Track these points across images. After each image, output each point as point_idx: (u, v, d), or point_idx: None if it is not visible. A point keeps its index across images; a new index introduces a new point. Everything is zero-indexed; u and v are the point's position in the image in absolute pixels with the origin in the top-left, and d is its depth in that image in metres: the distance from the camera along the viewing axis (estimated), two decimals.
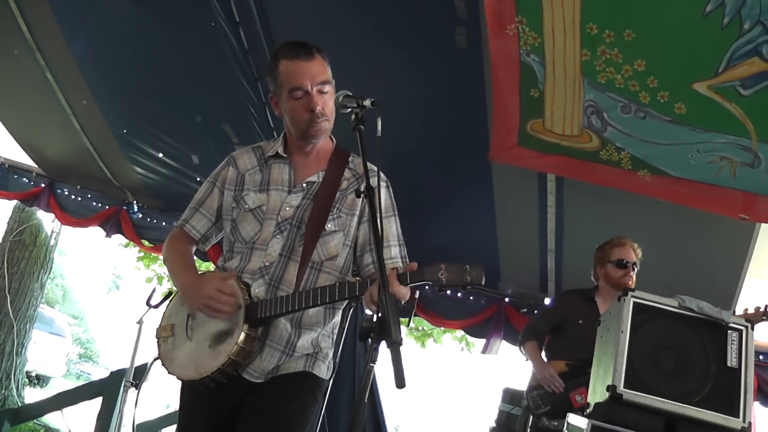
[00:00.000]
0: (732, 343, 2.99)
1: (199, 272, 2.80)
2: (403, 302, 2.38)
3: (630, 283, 4.50)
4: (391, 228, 2.75)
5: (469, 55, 4.47)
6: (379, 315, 1.94)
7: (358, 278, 2.42)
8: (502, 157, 4.67)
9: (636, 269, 4.56)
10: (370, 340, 1.93)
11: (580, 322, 4.57)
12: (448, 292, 6.21)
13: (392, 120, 4.62)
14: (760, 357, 5.54)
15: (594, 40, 3.73)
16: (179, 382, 2.74)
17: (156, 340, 2.78)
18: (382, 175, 2.79)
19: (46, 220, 8.83)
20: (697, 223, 4.84)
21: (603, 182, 4.58)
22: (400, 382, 1.80)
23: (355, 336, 5.69)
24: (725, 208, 4.37)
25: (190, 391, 2.71)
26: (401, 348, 1.84)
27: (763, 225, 4.75)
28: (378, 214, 2.23)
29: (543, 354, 4.72)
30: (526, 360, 4.72)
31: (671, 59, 3.72)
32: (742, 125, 3.83)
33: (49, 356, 15.07)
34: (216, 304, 2.54)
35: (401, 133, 4.98)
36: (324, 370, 2.74)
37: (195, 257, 2.97)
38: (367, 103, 2.26)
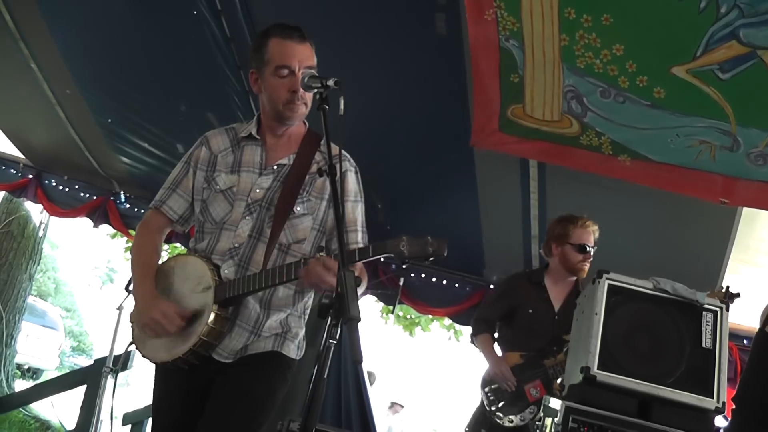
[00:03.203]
0: (707, 324, 3.01)
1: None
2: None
3: (586, 268, 4.43)
4: (357, 214, 2.78)
5: (449, 41, 4.46)
6: (338, 291, 1.95)
7: (321, 254, 2.43)
8: (484, 142, 4.67)
9: (593, 252, 4.47)
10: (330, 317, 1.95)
11: (530, 311, 4.51)
12: (433, 278, 6.23)
13: (373, 107, 4.68)
14: (744, 341, 5.56)
15: (572, 24, 3.73)
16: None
17: (130, 324, 2.79)
18: (351, 160, 2.83)
19: (34, 211, 8.84)
20: (678, 207, 4.84)
21: (584, 167, 4.58)
22: (357, 357, 1.82)
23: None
24: (705, 192, 4.38)
25: (162, 373, 2.74)
26: (359, 324, 1.86)
27: (744, 209, 4.77)
28: (339, 194, 2.25)
29: (496, 344, 4.67)
30: (479, 352, 4.66)
31: (649, 43, 3.73)
32: (720, 109, 3.84)
33: (42, 349, 15.11)
34: (156, 328, 2.57)
35: (383, 121, 5.01)
36: (293, 349, 2.76)
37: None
38: (330, 82, 2.29)
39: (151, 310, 2.57)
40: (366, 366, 11.14)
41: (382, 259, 2.37)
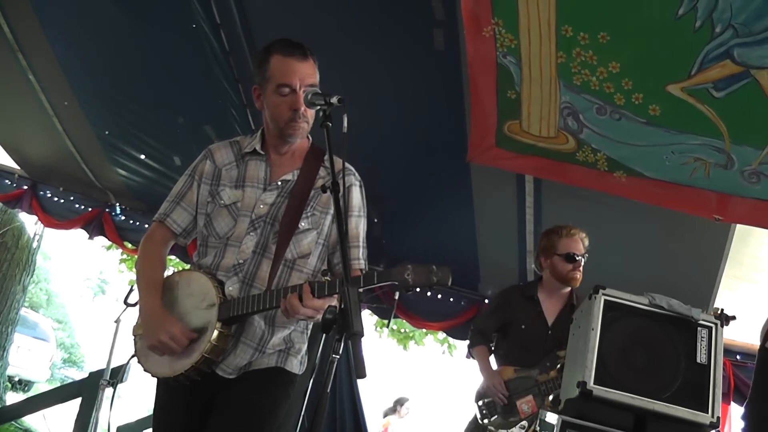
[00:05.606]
0: (701, 340, 3.05)
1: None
2: (317, 315, 2.43)
3: (578, 277, 4.39)
4: (360, 230, 2.79)
5: (447, 56, 4.50)
6: (342, 307, 1.97)
7: (327, 278, 2.43)
8: (480, 158, 4.70)
9: (583, 260, 4.42)
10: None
11: (523, 327, 4.51)
12: (428, 293, 6.23)
13: (371, 122, 4.71)
14: (738, 357, 5.59)
15: (569, 42, 3.76)
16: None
17: (133, 337, 2.79)
18: (356, 174, 2.83)
19: (29, 222, 8.80)
20: (673, 224, 4.87)
21: (580, 183, 4.62)
22: (361, 373, 1.83)
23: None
24: (700, 209, 4.42)
25: (164, 388, 2.73)
26: (362, 339, 1.87)
27: (738, 226, 4.81)
28: (342, 210, 2.26)
29: (493, 357, 4.68)
30: (476, 362, 4.67)
31: (645, 61, 3.76)
32: (715, 127, 3.88)
33: (33, 361, 15.01)
34: (162, 349, 2.57)
35: (379, 135, 5.03)
36: (296, 364, 2.77)
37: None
38: (334, 100, 2.29)
39: (159, 332, 2.56)
40: (399, 392, 11.23)
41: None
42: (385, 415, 10.98)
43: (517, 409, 4.35)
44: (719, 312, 3.41)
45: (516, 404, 4.36)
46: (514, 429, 4.33)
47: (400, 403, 10.94)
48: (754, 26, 3.36)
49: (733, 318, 3.63)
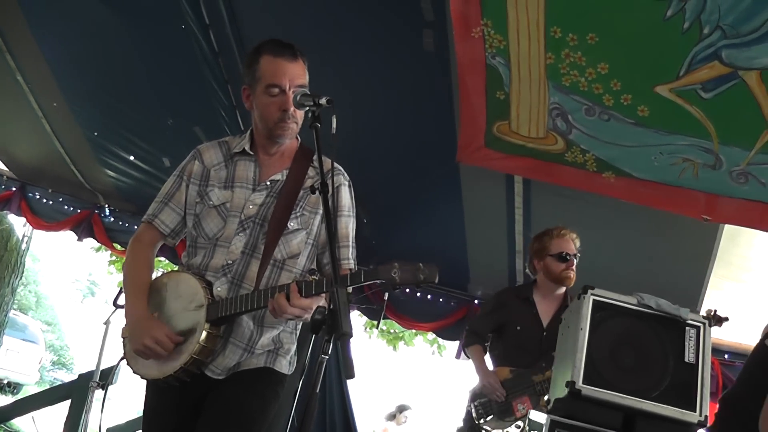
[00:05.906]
0: (690, 340, 3.05)
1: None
2: (304, 315, 2.43)
3: (572, 276, 4.43)
4: (349, 229, 2.79)
5: (437, 57, 4.51)
6: (331, 307, 1.97)
7: (314, 278, 2.43)
8: (470, 158, 4.71)
9: (576, 260, 4.47)
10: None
11: (518, 328, 4.54)
12: (418, 293, 6.25)
13: (360, 122, 4.72)
14: (726, 356, 5.63)
15: (558, 43, 3.78)
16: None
17: (122, 339, 2.77)
18: (345, 174, 2.83)
19: (18, 224, 8.74)
20: (661, 224, 4.90)
21: (569, 184, 4.63)
22: (350, 373, 1.83)
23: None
24: (688, 209, 4.45)
25: (153, 389, 2.72)
26: (351, 340, 1.87)
27: (726, 226, 4.83)
28: (332, 211, 2.27)
29: (488, 355, 4.69)
30: (471, 361, 4.68)
31: (634, 63, 3.79)
32: (703, 128, 3.91)
33: (22, 363, 14.93)
34: (148, 353, 2.57)
35: (369, 136, 5.03)
36: (285, 365, 2.77)
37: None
38: (323, 101, 2.30)
39: (143, 337, 2.56)
40: (392, 393, 11.16)
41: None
42: (387, 420, 10.97)
43: (512, 409, 4.36)
44: (713, 313, 3.43)
45: (512, 404, 4.38)
46: (509, 429, 4.35)
47: (400, 410, 10.92)
48: (742, 28, 3.38)
49: (726, 319, 3.65)
